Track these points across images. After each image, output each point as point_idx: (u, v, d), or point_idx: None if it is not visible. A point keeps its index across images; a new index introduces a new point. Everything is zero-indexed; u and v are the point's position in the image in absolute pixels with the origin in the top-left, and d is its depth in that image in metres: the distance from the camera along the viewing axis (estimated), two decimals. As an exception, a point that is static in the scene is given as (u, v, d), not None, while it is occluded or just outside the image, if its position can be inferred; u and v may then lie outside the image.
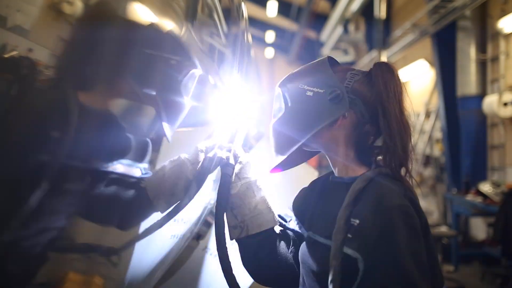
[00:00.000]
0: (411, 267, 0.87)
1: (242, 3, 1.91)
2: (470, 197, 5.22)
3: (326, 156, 1.14)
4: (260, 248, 1.11)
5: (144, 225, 1.03)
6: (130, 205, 0.97)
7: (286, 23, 15.31)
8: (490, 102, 5.43)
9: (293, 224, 1.21)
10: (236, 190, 1.09)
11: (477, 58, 6.01)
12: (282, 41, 16.83)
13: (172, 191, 1.03)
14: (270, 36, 16.14)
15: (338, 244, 0.93)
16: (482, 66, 6.05)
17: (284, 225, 1.21)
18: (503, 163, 5.74)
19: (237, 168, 1.12)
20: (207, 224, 1.85)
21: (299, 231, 1.18)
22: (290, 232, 1.21)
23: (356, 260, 0.90)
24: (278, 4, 13.07)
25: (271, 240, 1.14)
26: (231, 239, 1.10)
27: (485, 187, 4.88)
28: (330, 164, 1.15)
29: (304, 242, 1.12)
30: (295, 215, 1.21)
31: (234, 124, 1.23)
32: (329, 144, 1.09)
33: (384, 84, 1.04)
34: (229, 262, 1.03)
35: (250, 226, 1.09)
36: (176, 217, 1.36)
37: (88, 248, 0.80)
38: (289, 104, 1.10)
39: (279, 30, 16.13)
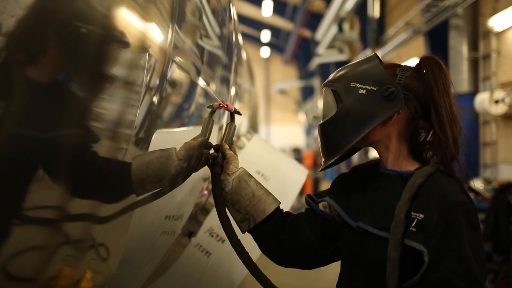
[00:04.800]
0: (473, 263, 0.90)
1: (231, 4, 1.94)
2: (462, 194, 5.26)
3: (375, 150, 1.15)
4: (277, 231, 1.13)
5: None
6: (112, 181, 0.96)
7: (282, 23, 15.34)
8: (482, 99, 5.49)
9: (322, 205, 1.22)
10: (230, 187, 1.10)
11: (469, 56, 6.07)
12: (277, 41, 16.85)
13: (151, 180, 1.04)
14: (265, 35, 16.16)
15: (399, 237, 0.95)
16: (474, 64, 6.11)
17: (312, 206, 1.23)
18: (495, 160, 5.80)
19: (225, 165, 1.15)
20: (198, 222, 1.89)
21: (327, 214, 1.20)
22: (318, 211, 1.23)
23: (422, 253, 0.92)
24: (273, 3, 13.09)
25: (288, 221, 1.17)
26: (243, 232, 1.12)
27: (477, 184, 4.93)
28: (380, 156, 1.14)
29: (347, 231, 1.13)
30: (335, 199, 1.19)
31: (223, 122, 1.26)
32: (382, 140, 1.10)
33: (433, 78, 1.05)
34: (247, 253, 1.04)
35: (255, 214, 1.10)
36: (168, 214, 1.41)
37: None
38: (341, 104, 1.09)
39: (274, 30, 16.16)
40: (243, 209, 1.11)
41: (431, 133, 1.08)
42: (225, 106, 1.22)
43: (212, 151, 1.18)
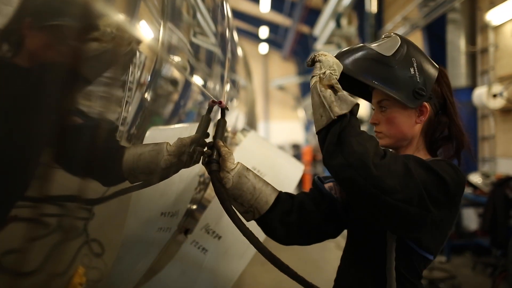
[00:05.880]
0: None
1: (224, 0, 1.94)
2: (461, 188, 5.27)
3: (397, 150, 1.24)
4: (284, 215, 1.19)
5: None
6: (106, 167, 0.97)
7: (280, 19, 15.31)
8: (480, 94, 5.49)
9: (328, 186, 1.28)
10: (231, 183, 1.12)
11: (467, 51, 6.07)
12: (275, 37, 16.83)
13: (143, 171, 1.04)
14: (263, 31, 16.13)
15: None
16: (472, 58, 6.10)
17: (320, 186, 1.29)
18: (493, 154, 5.81)
19: (221, 162, 1.15)
20: (194, 218, 1.89)
21: (332, 195, 1.26)
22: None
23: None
24: (271, -1, 13.04)
25: (293, 203, 1.22)
26: (248, 221, 1.15)
27: (475, 178, 4.94)
28: (397, 150, 1.24)
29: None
30: None
31: (215, 118, 1.26)
32: (406, 134, 1.19)
33: (447, 83, 1.22)
34: (269, 251, 1.05)
35: (258, 207, 1.15)
36: (163, 211, 1.41)
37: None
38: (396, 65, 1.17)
39: (272, 26, 16.13)
40: (246, 203, 1.14)
41: (446, 129, 1.21)
42: (219, 102, 1.22)
43: (206, 149, 1.18)
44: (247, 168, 1.16)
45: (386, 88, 1.14)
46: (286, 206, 1.19)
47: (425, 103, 1.17)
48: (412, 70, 1.15)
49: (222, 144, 1.17)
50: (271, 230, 1.20)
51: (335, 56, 1.16)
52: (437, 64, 1.24)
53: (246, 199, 1.14)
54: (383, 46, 1.18)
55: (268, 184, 1.18)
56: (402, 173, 0.99)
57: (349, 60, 1.16)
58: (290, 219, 1.19)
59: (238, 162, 1.16)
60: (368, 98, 1.31)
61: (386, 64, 1.14)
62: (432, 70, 1.19)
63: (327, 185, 1.28)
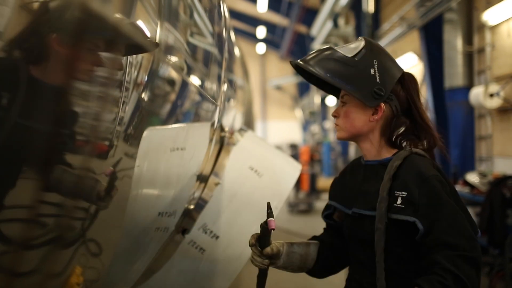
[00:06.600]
0: (461, 220, 1.11)
1: (222, 1, 1.94)
2: (458, 187, 5.29)
3: (359, 144, 1.32)
4: (326, 260, 1.41)
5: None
6: None
7: (277, 18, 15.32)
8: (477, 93, 5.50)
9: (336, 217, 1.44)
10: (281, 262, 1.32)
11: (464, 50, 6.08)
12: (273, 37, 16.83)
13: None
14: (261, 31, 16.13)
15: (383, 211, 1.16)
16: (469, 58, 6.11)
17: (332, 224, 1.45)
18: (490, 153, 5.82)
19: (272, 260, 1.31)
20: (192, 218, 1.89)
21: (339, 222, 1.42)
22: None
23: (414, 222, 1.12)
24: (268, -1, 13.04)
25: (328, 248, 1.42)
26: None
27: (472, 177, 4.95)
28: (361, 151, 1.32)
29: (347, 219, 1.33)
30: (334, 199, 1.41)
31: (215, 119, 1.26)
32: (367, 134, 1.27)
33: (412, 86, 1.28)
34: None
35: (307, 265, 1.40)
36: (161, 211, 1.41)
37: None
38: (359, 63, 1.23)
39: (270, 26, 16.13)
40: (297, 267, 1.38)
41: (407, 126, 1.27)
42: (270, 225, 1.24)
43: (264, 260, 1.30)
44: (291, 243, 1.35)
45: (344, 84, 1.21)
46: (326, 254, 1.41)
47: (382, 104, 1.23)
48: (372, 70, 1.21)
49: (269, 250, 1.27)
50: (316, 274, 1.44)
51: (305, 57, 1.27)
52: (404, 70, 1.31)
53: (297, 265, 1.37)
54: (347, 48, 1.25)
55: (309, 243, 1.41)
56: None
57: (313, 60, 1.24)
58: (329, 261, 1.42)
59: (282, 243, 1.32)
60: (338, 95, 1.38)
61: (347, 64, 1.22)
62: (394, 73, 1.26)
63: (335, 215, 1.44)
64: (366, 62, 1.22)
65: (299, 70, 1.31)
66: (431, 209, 1.11)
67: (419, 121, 1.27)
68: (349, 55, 1.22)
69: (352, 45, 1.26)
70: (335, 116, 1.32)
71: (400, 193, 1.16)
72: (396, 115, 1.26)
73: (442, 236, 1.08)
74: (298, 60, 1.28)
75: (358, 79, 1.21)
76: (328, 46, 1.29)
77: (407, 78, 1.29)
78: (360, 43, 1.26)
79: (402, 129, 1.26)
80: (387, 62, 1.26)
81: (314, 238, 1.48)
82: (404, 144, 1.27)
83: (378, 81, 1.21)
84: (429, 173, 1.16)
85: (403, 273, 1.19)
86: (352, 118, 1.26)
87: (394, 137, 1.26)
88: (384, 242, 1.16)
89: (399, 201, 1.15)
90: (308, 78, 1.37)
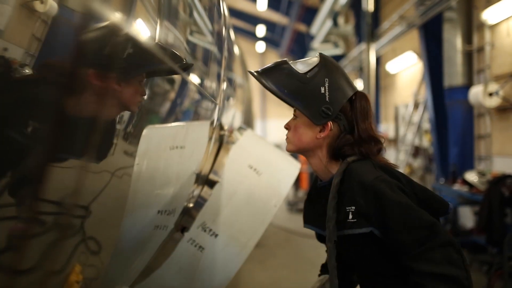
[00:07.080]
0: (416, 212, 1.10)
1: (221, 0, 1.94)
2: (457, 186, 5.30)
3: (308, 159, 1.34)
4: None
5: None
6: None
7: (277, 17, 15.30)
8: (476, 92, 5.50)
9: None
10: None
11: (463, 49, 6.08)
12: (272, 35, 16.81)
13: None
14: (260, 30, 16.10)
15: (331, 229, 1.19)
16: (468, 57, 6.11)
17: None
18: (489, 152, 5.83)
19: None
20: (191, 217, 1.89)
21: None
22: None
23: (371, 232, 1.14)
24: (268, -3, 13.02)
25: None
26: None
27: (471, 176, 4.96)
28: (311, 166, 1.33)
29: (317, 235, 1.39)
30: (308, 223, 1.42)
31: (215, 118, 1.26)
32: (315, 149, 1.29)
33: (360, 106, 1.28)
34: None
35: None
36: (160, 209, 1.41)
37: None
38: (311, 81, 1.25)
39: (269, 24, 16.11)
40: None
41: (351, 142, 1.27)
42: None
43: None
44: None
45: (293, 101, 1.24)
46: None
47: (330, 122, 1.25)
48: (323, 89, 1.23)
49: None
50: None
51: (261, 69, 1.29)
52: (358, 89, 1.32)
53: None
54: (302, 64, 1.27)
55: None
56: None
57: (268, 72, 1.27)
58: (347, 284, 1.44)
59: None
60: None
61: (299, 80, 1.23)
62: (344, 92, 1.26)
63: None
64: (317, 80, 1.23)
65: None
66: (381, 213, 1.12)
67: (364, 139, 1.26)
68: (302, 72, 1.24)
69: (310, 61, 1.27)
70: (286, 128, 1.33)
71: (350, 208, 1.17)
72: (343, 132, 1.27)
73: (400, 237, 1.10)
74: (253, 71, 1.28)
75: (308, 96, 1.23)
76: (285, 59, 1.30)
77: (358, 97, 1.29)
78: (315, 60, 1.27)
79: (346, 147, 1.26)
80: (339, 80, 1.27)
81: (323, 267, 1.52)
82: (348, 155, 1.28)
83: (327, 99, 1.23)
84: (369, 178, 1.16)
85: (386, 277, 1.24)
86: (300, 133, 1.29)
87: (338, 153, 1.28)
88: (335, 260, 1.19)
89: (350, 216, 1.17)
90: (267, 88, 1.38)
